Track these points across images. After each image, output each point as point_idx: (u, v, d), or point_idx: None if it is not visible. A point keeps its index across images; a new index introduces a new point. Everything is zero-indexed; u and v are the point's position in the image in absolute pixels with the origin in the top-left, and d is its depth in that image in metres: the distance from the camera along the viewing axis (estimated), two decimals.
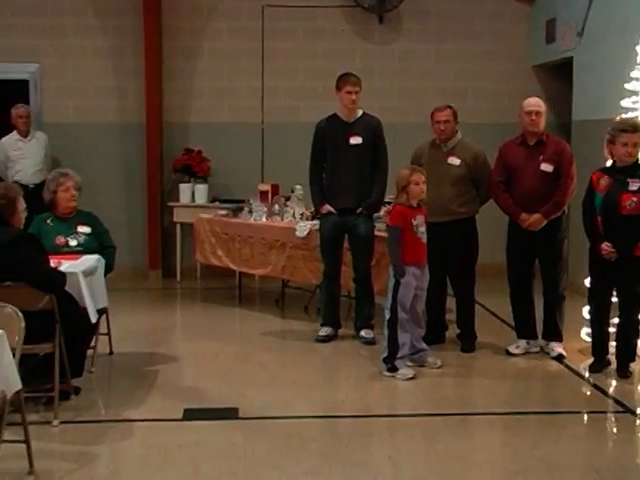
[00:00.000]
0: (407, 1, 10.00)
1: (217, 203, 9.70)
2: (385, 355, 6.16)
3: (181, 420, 5.25)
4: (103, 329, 6.52)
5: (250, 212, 8.48)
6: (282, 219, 8.16)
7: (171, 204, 10.05)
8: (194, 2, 10.07)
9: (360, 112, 7.09)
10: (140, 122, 9.98)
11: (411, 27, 10.25)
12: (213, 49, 10.13)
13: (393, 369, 6.11)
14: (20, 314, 4.30)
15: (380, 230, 7.14)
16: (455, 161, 6.74)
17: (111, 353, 6.69)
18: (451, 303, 7.13)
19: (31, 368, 5.23)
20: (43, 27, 9.90)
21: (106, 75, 10.08)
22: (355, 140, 6.98)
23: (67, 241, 6.28)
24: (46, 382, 5.36)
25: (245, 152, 10.13)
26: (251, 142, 10.15)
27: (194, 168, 9.81)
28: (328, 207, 7.07)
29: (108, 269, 6.27)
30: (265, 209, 8.33)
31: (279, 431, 5.11)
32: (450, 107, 6.79)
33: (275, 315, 8.30)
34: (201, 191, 9.86)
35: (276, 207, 8.26)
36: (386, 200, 7.27)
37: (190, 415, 5.31)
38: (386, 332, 6.14)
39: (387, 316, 6.11)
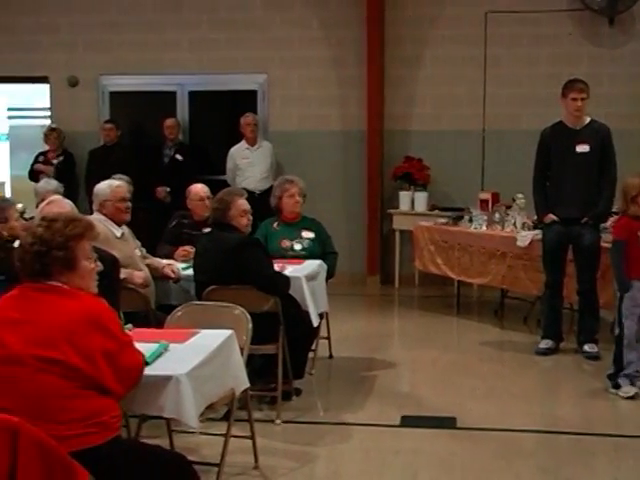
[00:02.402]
0: None
1: (436, 211, 9.68)
2: (611, 371, 5.90)
3: (399, 426, 5.27)
4: (323, 333, 6.66)
5: (470, 220, 8.40)
6: (503, 228, 8.01)
7: (391, 211, 10.13)
8: (416, 11, 10.10)
9: (587, 119, 6.85)
10: (361, 130, 10.14)
11: None
12: (435, 57, 10.11)
13: (617, 386, 5.85)
14: (248, 315, 4.46)
15: (606, 241, 6.85)
16: None
17: (331, 357, 6.82)
18: None
19: (255, 368, 5.42)
20: (271, 39, 10.28)
21: (329, 84, 10.31)
22: (582, 148, 6.75)
23: (292, 245, 6.49)
24: (269, 382, 5.55)
25: (465, 160, 10.05)
26: (471, 150, 10.05)
27: (414, 176, 9.84)
28: (552, 216, 6.87)
29: (329, 275, 6.41)
30: (485, 218, 8.22)
31: (497, 443, 5.01)
32: None
33: (493, 325, 8.16)
34: (421, 199, 9.88)
35: (497, 216, 8.12)
36: (613, 210, 6.99)
37: (408, 422, 5.32)
38: (615, 348, 5.88)
39: (616, 331, 5.86)
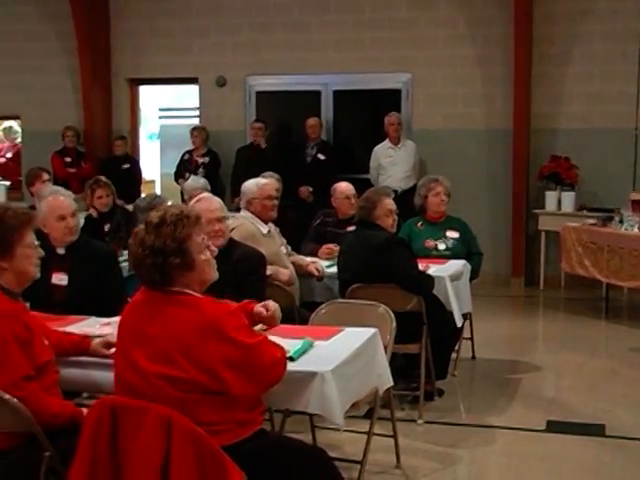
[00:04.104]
0: None
1: (584, 212, 9.41)
2: None
3: (544, 431, 5.14)
4: (466, 333, 6.57)
5: (621, 222, 8.11)
6: None
7: (536, 211, 9.91)
8: (567, 6, 9.82)
9: None
10: (507, 129, 9.96)
11: None
12: (585, 53, 9.81)
13: None
14: (392, 314, 4.44)
15: None
16: None
17: (473, 358, 6.72)
18: None
19: (397, 367, 5.40)
20: (416, 38, 10.23)
21: (474, 83, 10.18)
22: None
23: (436, 244, 6.43)
24: (410, 382, 5.53)
25: (616, 159, 9.70)
26: (622, 149, 9.69)
27: (561, 175, 9.59)
28: None
29: (473, 275, 6.32)
30: (637, 219, 7.92)
31: None
32: None
33: None
34: (568, 199, 9.62)
35: None
36: None
37: (553, 427, 5.18)
38: None
39: None
